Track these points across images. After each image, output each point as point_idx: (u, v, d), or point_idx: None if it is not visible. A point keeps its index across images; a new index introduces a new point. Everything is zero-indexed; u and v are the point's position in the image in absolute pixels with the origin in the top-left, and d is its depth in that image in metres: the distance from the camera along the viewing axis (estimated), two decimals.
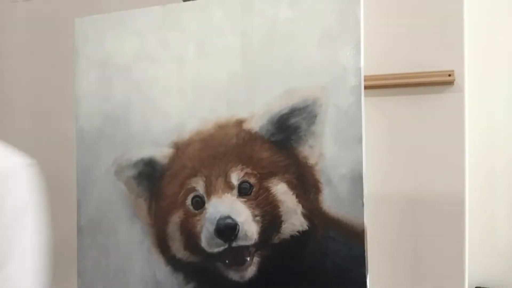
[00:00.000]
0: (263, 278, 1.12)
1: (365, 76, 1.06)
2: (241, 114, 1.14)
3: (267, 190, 1.11)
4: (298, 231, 1.09)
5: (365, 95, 1.05)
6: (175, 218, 1.17)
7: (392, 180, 1.27)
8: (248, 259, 1.12)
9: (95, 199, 1.26)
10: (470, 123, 1.26)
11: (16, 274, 0.45)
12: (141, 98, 1.23)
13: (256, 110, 1.12)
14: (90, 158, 1.27)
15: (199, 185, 1.15)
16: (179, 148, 1.18)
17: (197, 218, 1.14)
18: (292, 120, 1.09)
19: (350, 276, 1.05)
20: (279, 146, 1.10)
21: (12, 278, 0.44)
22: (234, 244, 1.12)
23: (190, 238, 1.15)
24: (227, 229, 1.12)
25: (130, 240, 1.22)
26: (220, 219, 1.12)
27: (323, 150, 1.07)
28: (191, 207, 1.15)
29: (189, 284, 1.17)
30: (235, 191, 1.12)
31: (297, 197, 1.09)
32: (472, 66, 1.29)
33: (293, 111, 1.09)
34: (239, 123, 1.14)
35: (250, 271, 1.12)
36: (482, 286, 1.35)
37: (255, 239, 1.11)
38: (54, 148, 1.64)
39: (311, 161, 1.08)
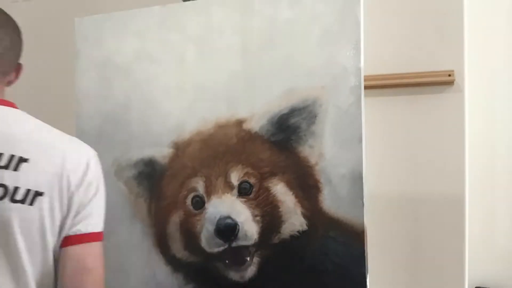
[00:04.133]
0: (263, 278, 1.11)
1: (365, 76, 1.06)
2: (241, 114, 1.14)
3: (267, 190, 1.10)
4: (298, 231, 1.09)
5: (365, 95, 1.05)
6: (175, 218, 1.17)
7: (392, 180, 1.27)
8: (248, 259, 1.12)
9: None
10: (470, 123, 1.26)
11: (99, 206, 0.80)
12: (141, 98, 1.23)
13: (256, 110, 1.12)
14: None
15: (199, 185, 1.15)
16: (179, 148, 1.18)
17: (197, 218, 1.14)
18: (292, 120, 1.09)
19: (350, 276, 1.04)
20: (279, 146, 1.10)
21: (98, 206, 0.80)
22: (234, 244, 1.12)
23: (190, 238, 1.15)
24: (227, 229, 1.11)
25: (130, 240, 1.22)
26: (220, 219, 1.12)
27: (323, 150, 1.07)
28: (191, 207, 1.15)
29: (189, 284, 1.17)
30: (235, 191, 1.12)
31: (297, 197, 1.09)
32: (472, 66, 1.29)
33: (293, 111, 1.09)
34: (239, 123, 1.14)
35: (250, 271, 1.12)
36: (482, 286, 1.34)
37: (255, 239, 1.11)
38: None
39: (311, 161, 1.08)
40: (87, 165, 0.78)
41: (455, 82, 1.22)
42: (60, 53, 1.68)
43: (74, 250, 0.76)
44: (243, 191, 1.12)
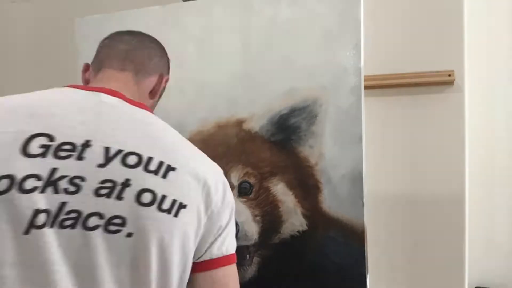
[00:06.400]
0: (263, 278, 1.11)
1: (365, 76, 1.06)
2: (241, 114, 1.14)
3: (267, 190, 1.11)
4: (298, 231, 1.09)
5: (365, 95, 1.05)
6: None
7: (392, 180, 1.27)
8: (248, 259, 1.12)
9: None
10: (470, 123, 1.26)
11: (234, 225, 0.75)
12: None
13: (256, 110, 1.12)
14: None
15: None
16: None
17: None
18: (292, 120, 1.09)
19: (350, 276, 1.04)
20: (279, 146, 1.10)
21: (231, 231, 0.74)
22: None
23: None
24: None
25: None
26: None
27: (323, 150, 1.07)
28: None
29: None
30: (235, 191, 1.12)
31: (297, 197, 1.09)
32: (472, 66, 1.29)
33: (293, 111, 1.09)
34: (239, 123, 1.14)
35: (250, 271, 1.12)
36: (482, 286, 1.35)
37: (255, 239, 1.11)
38: None
39: (311, 161, 1.08)
40: (224, 184, 0.73)
41: (455, 82, 1.22)
42: (60, 53, 1.68)
43: (217, 274, 0.72)
44: (243, 191, 1.12)
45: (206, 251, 0.71)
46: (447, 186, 1.22)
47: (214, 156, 1.18)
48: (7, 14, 1.79)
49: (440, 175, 1.23)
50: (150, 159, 0.65)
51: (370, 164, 1.08)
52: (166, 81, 0.88)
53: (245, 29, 1.14)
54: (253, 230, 1.11)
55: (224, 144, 1.14)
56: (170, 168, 0.66)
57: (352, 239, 1.04)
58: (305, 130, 1.08)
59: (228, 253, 0.73)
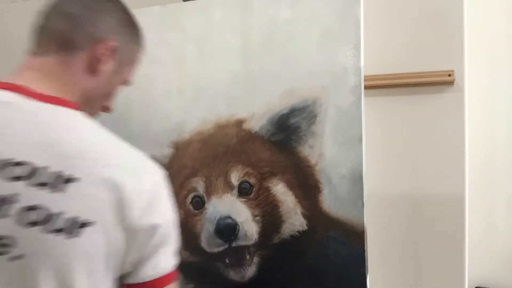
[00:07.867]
0: (263, 278, 1.11)
1: (365, 76, 1.06)
2: (241, 114, 1.14)
3: (267, 190, 1.11)
4: (298, 231, 1.09)
5: (365, 95, 1.05)
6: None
7: (392, 180, 1.27)
8: (248, 259, 1.12)
9: None
10: (470, 123, 1.26)
11: (169, 237, 0.64)
12: (141, 98, 1.23)
13: (256, 110, 1.12)
14: None
15: (199, 185, 1.15)
16: (179, 148, 1.18)
17: (197, 218, 1.14)
18: (292, 120, 1.09)
19: (350, 276, 1.04)
20: (279, 146, 1.10)
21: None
22: (234, 244, 1.12)
23: (190, 238, 1.15)
24: (227, 229, 1.11)
25: None
26: (220, 219, 1.12)
27: (323, 150, 1.07)
28: (191, 207, 1.15)
29: (189, 284, 1.17)
30: (235, 191, 1.12)
31: (297, 197, 1.09)
32: (472, 66, 1.29)
33: (293, 111, 1.09)
34: (239, 123, 1.14)
35: (250, 271, 1.12)
36: (482, 286, 1.34)
37: (255, 239, 1.11)
38: None
39: (311, 161, 1.08)
40: (152, 192, 0.62)
41: (455, 82, 1.22)
42: None
43: None
44: (243, 191, 1.12)
45: (135, 272, 0.62)
46: (447, 186, 1.22)
47: (214, 156, 1.19)
48: (7, 14, 1.79)
49: (440, 175, 1.22)
50: (43, 169, 0.56)
51: (370, 164, 1.08)
52: (114, 49, 0.70)
53: (245, 29, 1.14)
54: (253, 230, 1.11)
55: (224, 144, 1.14)
56: (70, 179, 0.56)
57: (352, 239, 1.04)
58: (305, 130, 1.08)
59: (163, 274, 0.63)
